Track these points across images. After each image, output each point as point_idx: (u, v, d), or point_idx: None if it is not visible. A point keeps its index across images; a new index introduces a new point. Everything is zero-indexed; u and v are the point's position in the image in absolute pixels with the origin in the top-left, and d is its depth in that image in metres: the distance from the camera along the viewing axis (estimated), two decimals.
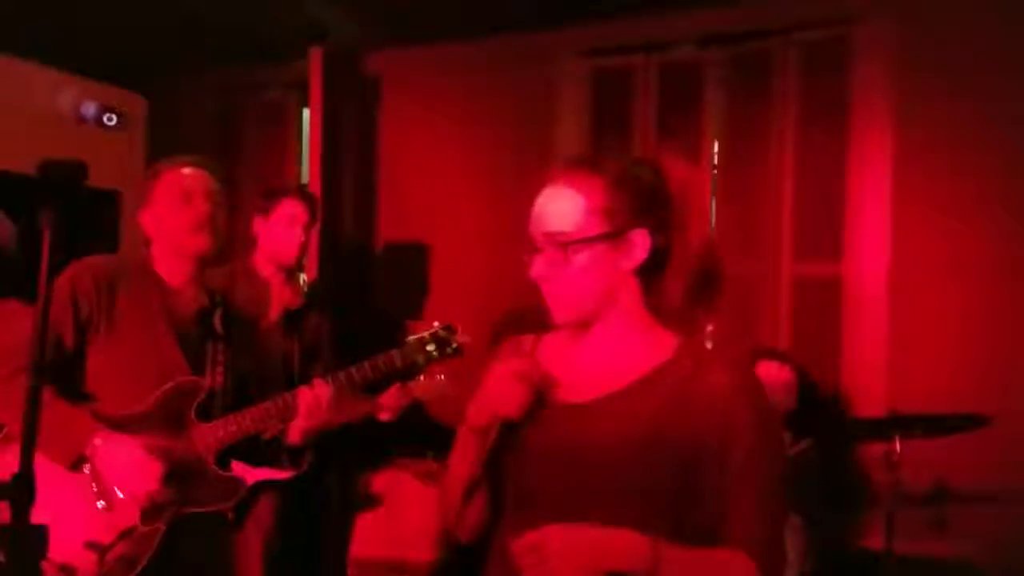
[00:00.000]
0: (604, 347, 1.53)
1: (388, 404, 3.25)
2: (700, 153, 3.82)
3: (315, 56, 4.00)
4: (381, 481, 3.61)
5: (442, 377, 3.33)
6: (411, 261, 4.19)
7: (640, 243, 1.49)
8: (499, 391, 1.50)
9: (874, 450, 2.90)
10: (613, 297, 1.51)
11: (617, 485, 1.44)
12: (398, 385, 3.26)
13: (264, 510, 3.24)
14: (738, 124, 3.78)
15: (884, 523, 2.62)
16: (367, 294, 4.28)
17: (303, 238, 3.34)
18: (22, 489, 1.45)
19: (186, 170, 2.51)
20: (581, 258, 1.47)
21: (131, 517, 2.26)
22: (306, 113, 4.51)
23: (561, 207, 1.49)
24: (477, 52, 4.08)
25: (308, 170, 4.17)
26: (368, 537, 3.58)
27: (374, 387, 3.03)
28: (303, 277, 3.55)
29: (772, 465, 1.44)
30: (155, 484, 2.24)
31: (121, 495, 2.26)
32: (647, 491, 1.43)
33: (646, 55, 3.90)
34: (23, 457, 1.48)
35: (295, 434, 2.54)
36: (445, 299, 4.04)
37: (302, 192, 3.50)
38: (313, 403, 2.47)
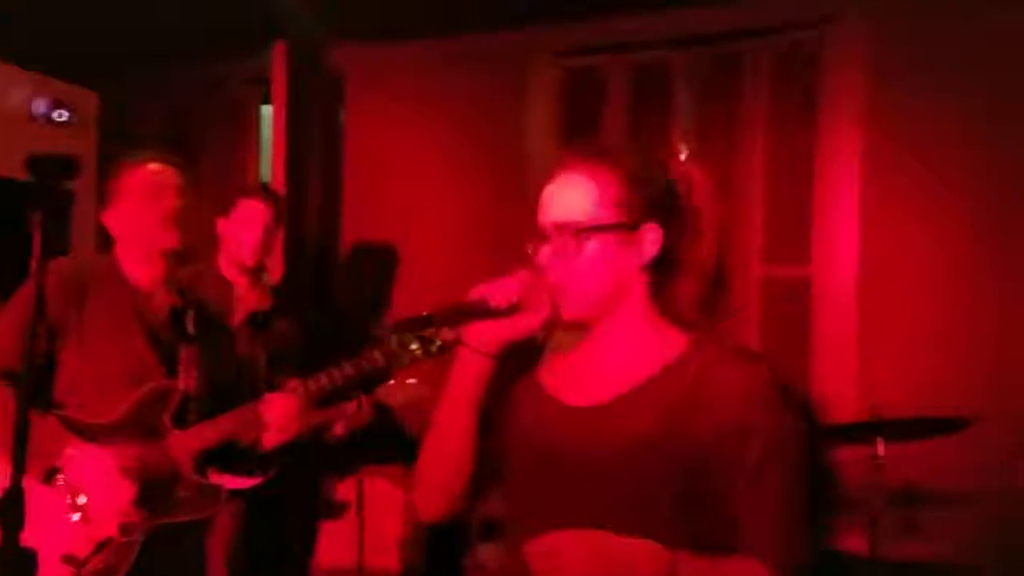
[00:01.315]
0: (611, 347, 1.49)
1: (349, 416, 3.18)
2: (671, 154, 3.81)
3: (278, 51, 3.91)
4: (348, 488, 3.53)
5: (414, 381, 3.28)
6: (377, 263, 4.12)
7: (652, 238, 1.46)
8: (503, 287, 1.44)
9: (851, 453, 2.91)
10: (622, 294, 1.47)
11: (630, 488, 1.40)
12: (362, 399, 3.20)
13: (226, 518, 3.14)
14: (708, 126, 3.79)
15: (867, 527, 2.63)
16: (330, 297, 4.20)
17: (264, 238, 3.26)
18: (12, 509, 1.37)
19: (152, 166, 2.44)
20: (592, 249, 1.44)
21: (107, 529, 2.17)
22: (266, 110, 4.44)
23: (574, 195, 1.45)
24: (446, 51, 4.03)
25: (271, 169, 4.08)
26: (334, 545, 3.51)
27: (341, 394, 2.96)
28: (266, 277, 3.47)
29: (791, 469, 1.40)
30: (127, 503, 2.17)
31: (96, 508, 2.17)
32: (658, 496, 1.39)
33: (617, 56, 3.89)
34: (14, 475, 1.39)
35: (267, 443, 2.47)
36: (413, 302, 3.96)
37: (265, 191, 3.42)
38: (279, 414, 2.41)
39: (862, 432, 2.76)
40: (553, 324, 1.46)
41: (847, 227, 3.53)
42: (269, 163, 4.14)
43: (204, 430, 2.34)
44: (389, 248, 4.10)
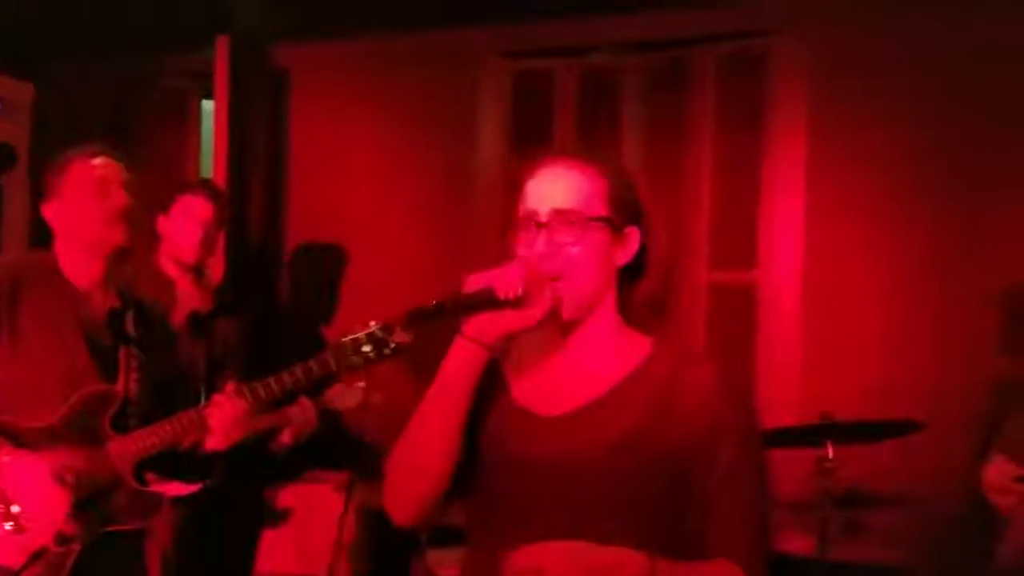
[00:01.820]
0: (583, 352, 1.49)
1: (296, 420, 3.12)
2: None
3: (221, 45, 3.82)
4: (291, 494, 3.46)
5: (362, 384, 3.22)
6: (323, 264, 4.05)
7: (633, 239, 1.47)
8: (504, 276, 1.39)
9: (797, 456, 2.94)
10: (601, 296, 1.47)
11: (608, 496, 1.40)
12: (304, 402, 3.14)
13: (162, 524, 3.05)
14: (655, 131, 3.80)
15: (814, 529, 2.66)
16: (274, 297, 4.12)
17: (205, 235, 3.18)
18: None
19: (98, 159, 2.36)
20: (592, 241, 1.43)
21: (41, 538, 2.09)
22: (207, 105, 4.34)
23: (572, 186, 1.45)
24: (393, 49, 3.98)
25: (212, 164, 3.99)
26: (275, 553, 3.43)
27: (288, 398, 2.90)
28: (207, 276, 3.39)
29: (759, 469, 1.43)
30: (62, 512, 2.09)
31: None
32: (638, 500, 1.39)
33: (566, 59, 3.88)
34: None
35: (212, 445, 2.40)
36: (360, 304, 3.91)
37: (206, 187, 3.34)
38: (223, 418, 2.33)
39: (811, 435, 2.79)
40: (547, 320, 1.43)
41: (792, 232, 3.57)
42: (209, 158, 4.06)
43: (145, 436, 2.27)
44: (337, 248, 4.03)
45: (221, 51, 3.81)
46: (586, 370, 1.47)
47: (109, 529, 2.18)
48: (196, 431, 2.31)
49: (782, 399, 3.50)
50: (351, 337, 2.45)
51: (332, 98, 4.12)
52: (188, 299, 3.22)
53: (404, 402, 3.79)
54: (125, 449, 2.25)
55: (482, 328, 1.41)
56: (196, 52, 4.12)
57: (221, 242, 3.55)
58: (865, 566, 3.00)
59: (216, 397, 2.32)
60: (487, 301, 1.39)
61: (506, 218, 1.49)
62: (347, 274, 4.03)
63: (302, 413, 3.16)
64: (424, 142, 3.95)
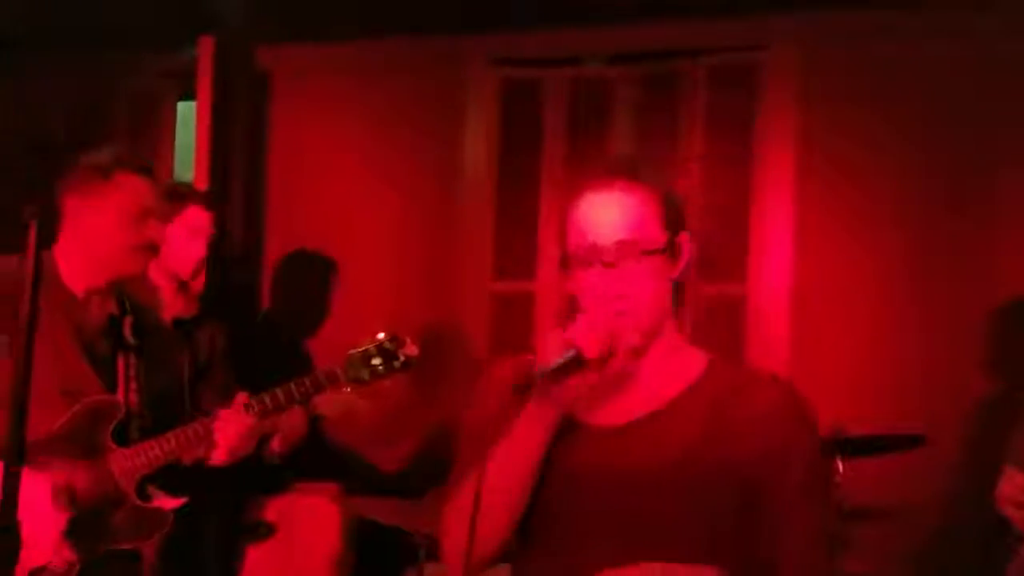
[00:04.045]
0: (644, 368, 1.46)
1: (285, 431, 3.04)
2: None
3: (205, 45, 3.72)
4: (275, 507, 3.37)
5: (349, 391, 3.16)
6: (307, 273, 3.97)
7: (685, 249, 1.46)
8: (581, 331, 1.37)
9: None
10: (665, 314, 1.46)
11: (671, 512, 1.37)
12: (297, 408, 3.06)
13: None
14: (645, 142, 3.79)
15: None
16: (255, 305, 4.02)
17: (205, 252, 3.08)
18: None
19: (143, 182, 2.25)
20: (655, 272, 1.42)
21: (42, 555, 2.00)
22: (181, 107, 4.23)
23: (632, 214, 1.42)
24: (380, 54, 3.92)
25: (187, 167, 3.89)
26: (259, 569, 3.33)
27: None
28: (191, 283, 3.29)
29: (825, 490, 1.43)
30: (58, 535, 2.00)
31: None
32: (702, 517, 1.37)
33: (556, 68, 3.86)
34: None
35: (215, 463, 2.32)
36: (344, 313, 3.84)
37: (207, 198, 3.24)
38: (231, 432, 2.26)
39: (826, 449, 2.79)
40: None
41: (781, 246, 3.59)
42: (183, 161, 3.96)
43: (148, 449, 2.18)
44: (320, 256, 3.95)
45: (205, 52, 3.71)
46: (641, 382, 1.45)
47: (111, 547, 2.09)
48: (200, 445, 2.22)
49: None
50: (360, 349, 2.40)
51: (316, 103, 4.05)
52: (172, 305, 3.12)
53: (393, 410, 3.75)
54: (127, 463, 2.17)
55: (571, 393, 1.38)
56: (172, 51, 4.03)
57: None
58: None
59: (223, 412, 2.24)
60: (578, 363, 1.35)
61: (561, 249, 1.45)
62: (330, 281, 3.95)
63: (291, 420, 3.08)
64: (410, 149, 3.89)
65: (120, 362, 2.27)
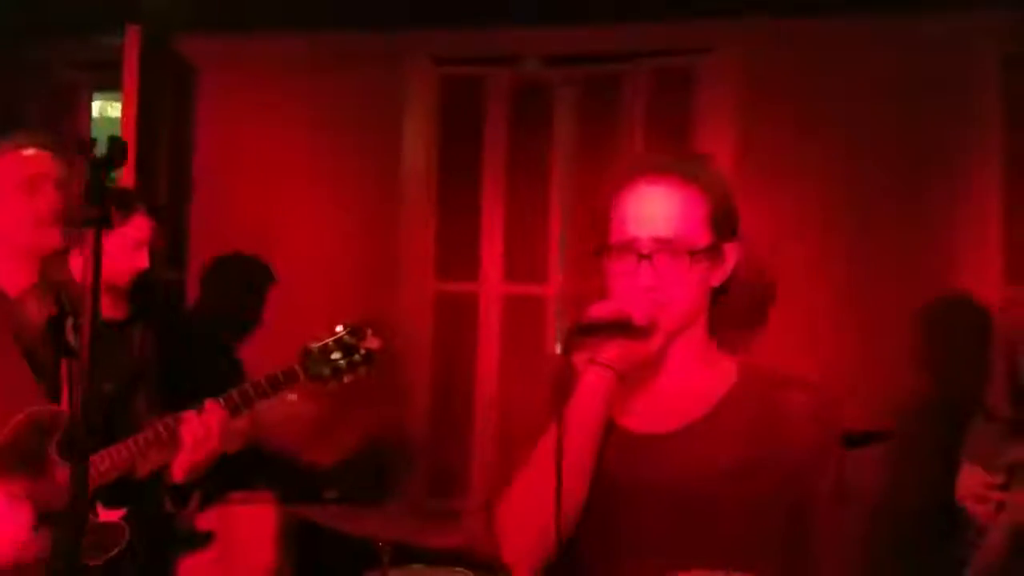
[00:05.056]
0: (670, 371, 1.44)
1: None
2: (548, 169, 3.81)
3: (131, 35, 3.54)
4: (211, 517, 3.22)
5: (294, 397, 3.05)
6: (235, 274, 3.81)
7: (730, 258, 1.42)
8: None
9: None
10: (696, 316, 1.42)
11: (719, 522, 1.35)
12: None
13: None
14: (586, 143, 3.80)
15: None
16: (180, 306, 3.86)
17: (148, 264, 2.91)
18: None
19: (28, 151, 2.12)
20: (694, 272, 1.38)
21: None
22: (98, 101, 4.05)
23: (675, 210, 1.39)
24: (315, 47, 3.81)
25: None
26: None
27: None
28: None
29: (847, 492, 1.42)
30: (24, 533, 1.85)
31: None
32: (747, 525, 1.36)
33: (496, 67, 3.82)
34: None
35: (180, 470, 2.19)
36: (281, 317, 3.71)
37: (152, 207, 3.06)
38: (202, 432, 2.14)
39: None
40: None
41: None
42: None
43: (100, 459, 2.05)
44: (248, 256, 3.80)
45: (131, 42, 3.53)
46: (677, 390, 1.43)
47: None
48: (162, 450, 2.09)
49: None
50: (319, 344, 2.29)
51: (244, 98, 3.91)
52: (102, 307, 2.96)
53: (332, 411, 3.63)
54: None
55: (620, 356, 1.35)
56: (89, 40, 3.84)
57: None
58: None
59: (188, 412, 2.12)
60: (624, 327, 1.33)
61: (598, 236, 1.40)
62: (261, 283, 3.82)
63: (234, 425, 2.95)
64: (349, 147, 3.80)
65: (63, 367, 2.13)
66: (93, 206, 1.26)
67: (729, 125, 3.64)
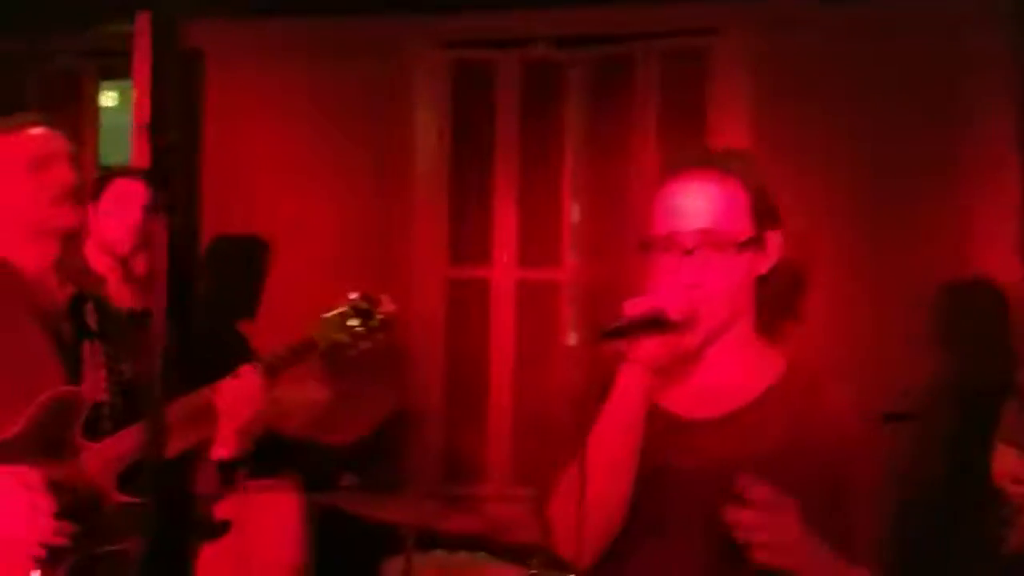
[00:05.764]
0: (718, 360, 1.45)
1: None
2: (561, 153, 3.79)
3: (142, 22, 3.51)
4: (229, 505, 3.20)
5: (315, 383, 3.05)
6: (243, 259, 3.81)
7: (774, 246, 1.44)
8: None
9: None
10: (743, 307, 1.43)
11: None
12: None
13: None
14: (598, 125, 3.78)
15: None
16: (191, 293, 3.84)
17: (139, 219, 2.92)
18: None
19: (34, 131, 2.09)
20: (738, 264, 1.40)
21: (20, 572, 1.82)
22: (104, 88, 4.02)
23: (717, 204, 1.40)
24: (328, 33, 3.78)
25: (132, 150, 3.69)
26: (214, 570, 3.17)
27: None
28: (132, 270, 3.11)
29: (882, 485, 1.44)
30: (49, 522, 1.83)
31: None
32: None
33: (507, 50, 3.80)
34: None
35: (223, 442, 2.15)
36: (283, 301, 3.69)
37: (135, 172, 3.09)
38: (245, 394, 2.09)
39: None
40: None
41: None
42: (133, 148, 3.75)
43: (125, 437, 2.02)
44: (256, 241, 3.79)
45: (142, 29, 3.50)
46: (725, 378, 1.44)
47: (96, 552, 1.92)
48: (188, 429, 2.07)
49: None
50: (336, 312, 2.27)
51: (252, 84, 3.89)
52: (120, 296, 2.94)
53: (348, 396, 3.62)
54: (101, 456, 2.00)
55: (655, 352, 1.35)
56: (94, 28, 3.81)
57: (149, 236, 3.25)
58: None
59: (221, 382, 2.09)
60: (658, 323, 1.33)
61: (644, 231, 1.42)
62: (269, 269, 3.81)
63: None
64: (360, 132, 3.78)
65: (85, 349, 2.10)
66: (160, 192, 1.23)
67: (742, 106, 3.62)
